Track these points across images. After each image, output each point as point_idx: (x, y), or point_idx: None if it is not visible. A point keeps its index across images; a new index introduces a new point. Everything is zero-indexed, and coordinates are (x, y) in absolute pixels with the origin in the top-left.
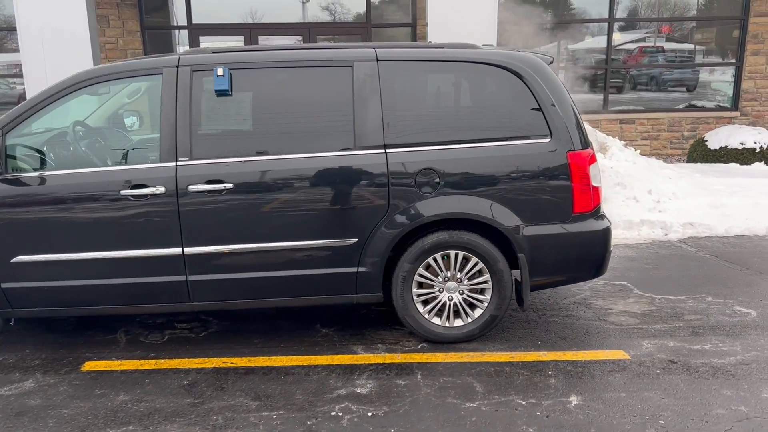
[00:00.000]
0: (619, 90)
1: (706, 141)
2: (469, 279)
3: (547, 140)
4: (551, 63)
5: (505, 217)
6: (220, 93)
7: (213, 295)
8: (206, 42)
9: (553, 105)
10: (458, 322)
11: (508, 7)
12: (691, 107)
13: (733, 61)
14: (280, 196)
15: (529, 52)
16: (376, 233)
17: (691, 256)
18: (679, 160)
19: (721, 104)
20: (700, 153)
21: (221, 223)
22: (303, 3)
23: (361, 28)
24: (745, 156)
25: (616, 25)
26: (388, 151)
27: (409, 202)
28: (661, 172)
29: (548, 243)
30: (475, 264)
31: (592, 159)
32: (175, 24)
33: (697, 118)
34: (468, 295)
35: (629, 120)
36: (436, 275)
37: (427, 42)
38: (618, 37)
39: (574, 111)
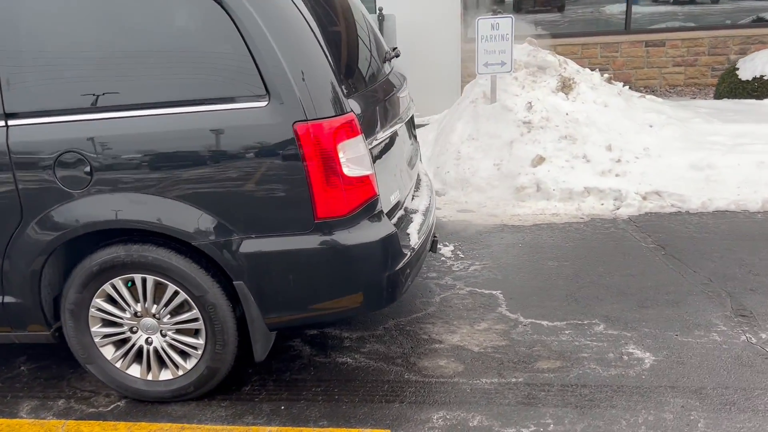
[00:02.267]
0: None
1: (737, 70)
2: (173, 315)
3: (264, 104)
4: None
5: (205, 226)
6: None
7: None
8: None
9: (272, 48)
10: (166, 375)
11: None
12: (760, 21)
13: None
14: None
15: None
16: (13, 250)
17: (628, 248)
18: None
19: None
20: (728, 86)
21: None
22: None
23: None
24: None
25: None
26: (10, 123)
27: (50, 203)
28: (643, 117)
29: (282, 264)
30: (175, 294)
31: (345, 131)
32: None
33: (748, 37)
34: (174, 338)
35: (658, 42)
36: (124, 309)
37: None
38: None
39: (314, 55)
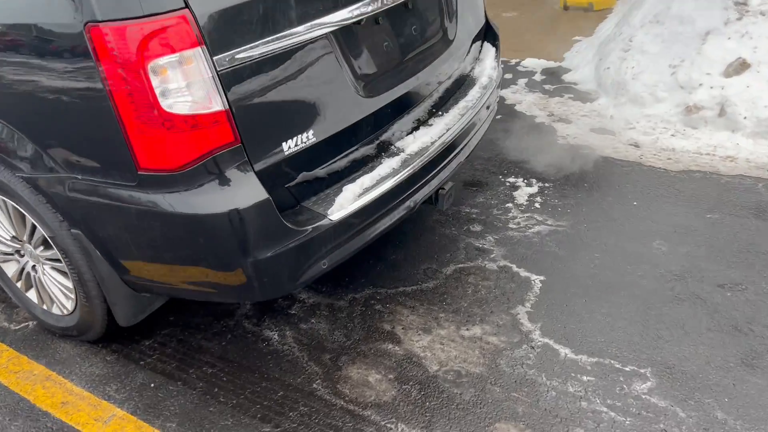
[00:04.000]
0: None
1: None
2: (45, 248)
3: None
4: None
5: (23, 153)
6: None
7: None
8: None
9: None
10: (55, 310)
11: None
12: None
13: None
14: None
15: None
16: None
17: None
18: None
19: None
20: None
21: None
22: None
23: None
24: None
25: None
26: None
27: None
28: None
29: (115, 221)
30: (35, 227)
31: (167, 41)
32: None
33: None
34: (50, 276)
35: None
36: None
37: None
38: None
39: None
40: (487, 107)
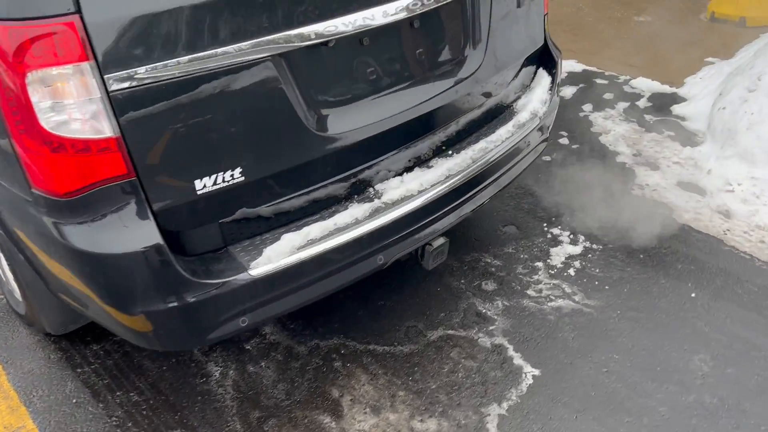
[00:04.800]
0: None
1: None
2: None
3: None
4: None
5: None
6: None
7: None
8: None
9: None
10: (17, 293)
11: None
12: None
13: None
14: None
15: None
16: None
17: None
18: None
19: None
20: None
21: None
22: None
23: None
24: None
25: None
26: None
27: None
28: None
29: (20, 229)
30: None
31: (50, 50)
32: None
33: None
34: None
35: None
36: None
37: None
38: None
39: None
40: (539, 130)
